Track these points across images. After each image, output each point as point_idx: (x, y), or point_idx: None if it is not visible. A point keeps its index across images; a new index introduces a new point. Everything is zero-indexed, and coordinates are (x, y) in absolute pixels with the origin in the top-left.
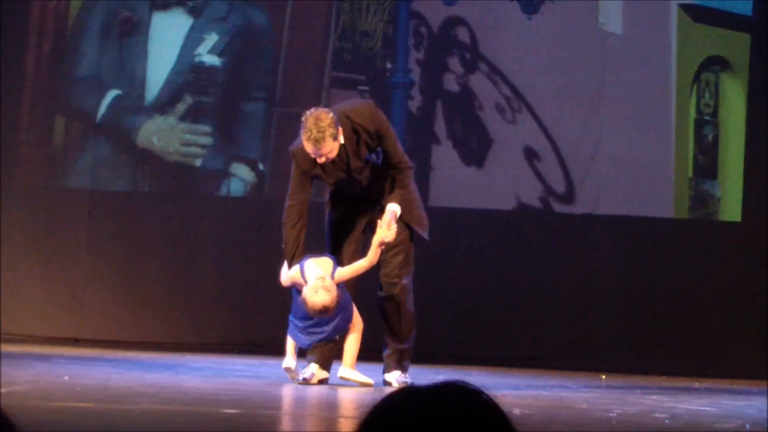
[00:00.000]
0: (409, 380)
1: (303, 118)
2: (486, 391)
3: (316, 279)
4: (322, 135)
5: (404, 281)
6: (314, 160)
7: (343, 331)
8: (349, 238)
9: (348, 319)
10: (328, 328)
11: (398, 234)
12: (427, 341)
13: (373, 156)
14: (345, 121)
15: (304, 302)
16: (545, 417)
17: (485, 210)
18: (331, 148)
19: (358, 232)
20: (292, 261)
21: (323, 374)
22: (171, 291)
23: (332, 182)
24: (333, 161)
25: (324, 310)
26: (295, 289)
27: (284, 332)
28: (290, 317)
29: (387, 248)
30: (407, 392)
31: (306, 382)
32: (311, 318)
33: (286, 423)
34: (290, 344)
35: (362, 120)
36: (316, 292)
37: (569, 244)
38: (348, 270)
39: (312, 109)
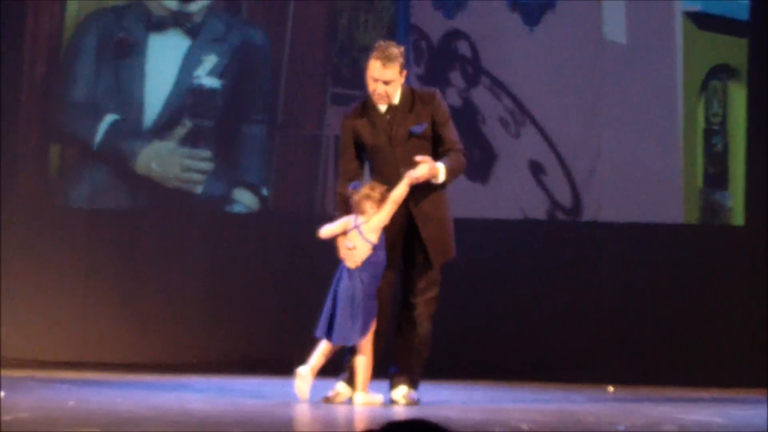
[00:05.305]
0: (415, 396)
1: (374, 46)
2: (445, 425)
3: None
4: (393, 53)
5: (427, 299)
6: (361, 114)
7: (365, 331)
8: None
9: (372, 316)
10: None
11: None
12: (432, 354)
13: (417, 128)
14: (405, 87)
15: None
16: None
17: (489, 219)
18: (393, 77)
19: (393, 235)
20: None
21: (349, 392)
22: (171, 311)
23: (372, 143)
24: (378, 120)
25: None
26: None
27: (282, 349)
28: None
29: (417, 275)
30: None
31: (328, 400)
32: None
33: None
34: (319, 353)
35: (423, 91)
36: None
37: (574, 253)
38: (385, 214)
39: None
